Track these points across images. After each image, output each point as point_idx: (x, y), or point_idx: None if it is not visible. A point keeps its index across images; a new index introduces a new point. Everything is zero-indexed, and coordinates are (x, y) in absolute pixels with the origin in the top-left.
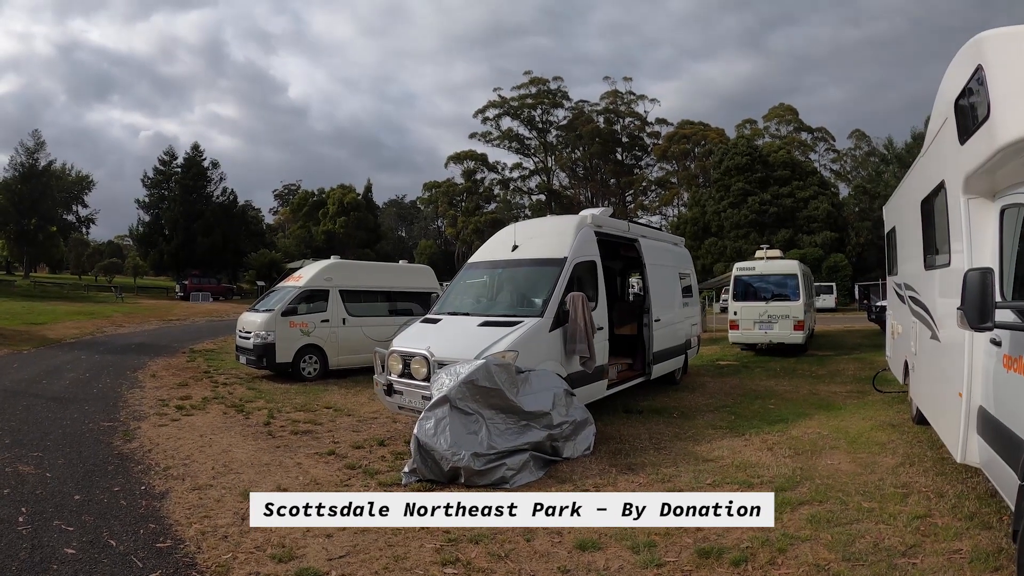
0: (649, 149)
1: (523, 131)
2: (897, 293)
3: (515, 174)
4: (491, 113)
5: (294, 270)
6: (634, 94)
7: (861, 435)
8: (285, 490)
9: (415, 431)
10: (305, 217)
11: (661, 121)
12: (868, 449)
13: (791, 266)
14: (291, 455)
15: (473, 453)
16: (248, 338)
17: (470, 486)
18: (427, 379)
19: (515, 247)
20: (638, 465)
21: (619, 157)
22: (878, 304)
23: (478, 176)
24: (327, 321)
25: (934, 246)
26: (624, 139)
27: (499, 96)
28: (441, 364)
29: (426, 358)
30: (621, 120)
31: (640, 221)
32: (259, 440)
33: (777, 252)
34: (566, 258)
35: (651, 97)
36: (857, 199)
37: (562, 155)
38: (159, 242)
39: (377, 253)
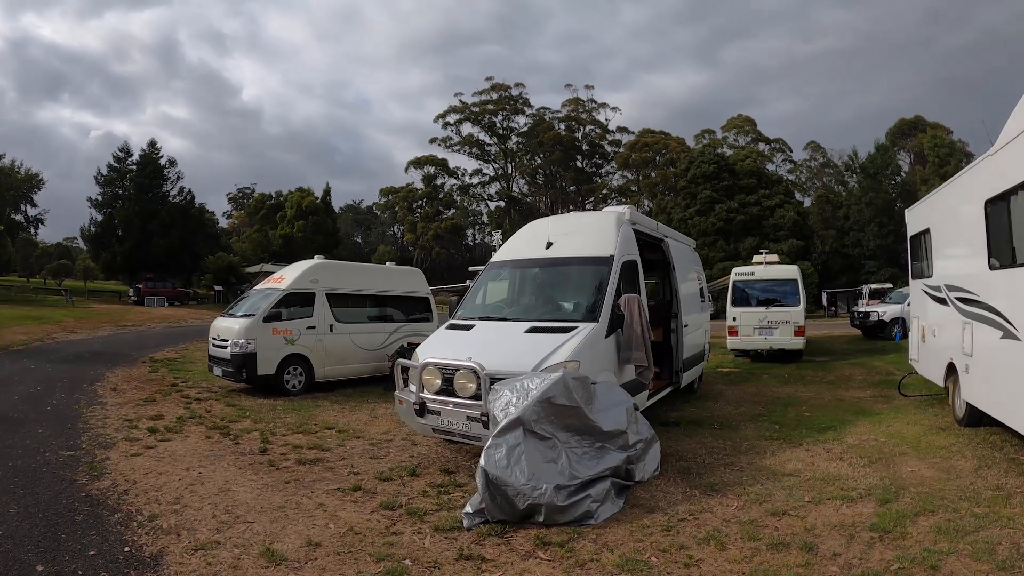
0: (611, 157)
1: (484, 137)
2: (932, 296)
3: (475, 180)
4: (452, 118)
5: (253, 274)
6: (595, 102)
7: (919, 440)
8: (319, 545)
9: (482, 463)
10: (262, 220)
11: (622, 129)
12: (936, 454)
13: (791, 271)
14: (307, 493)
15: (556, 486)
16: (224, 347)
17: (549, 524)
18: (475, 397)
19: (549, 244)
20: (720, 485)
21: (580, 164)
22: (861, 310)
23: (438, 181)
24: (313, 328)
25: (1008, 246)
26: (585, 147)
27: (460, 101)
28: (494, 379)
29: (475, 372)
30: (582, 128)
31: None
32: (260, 473)
33: (775, 257)
34: (613, 256)
35: (612, 105)
36: (820, 208)
37: (522, 162)
38: (112, 243)
39: (336, 258)
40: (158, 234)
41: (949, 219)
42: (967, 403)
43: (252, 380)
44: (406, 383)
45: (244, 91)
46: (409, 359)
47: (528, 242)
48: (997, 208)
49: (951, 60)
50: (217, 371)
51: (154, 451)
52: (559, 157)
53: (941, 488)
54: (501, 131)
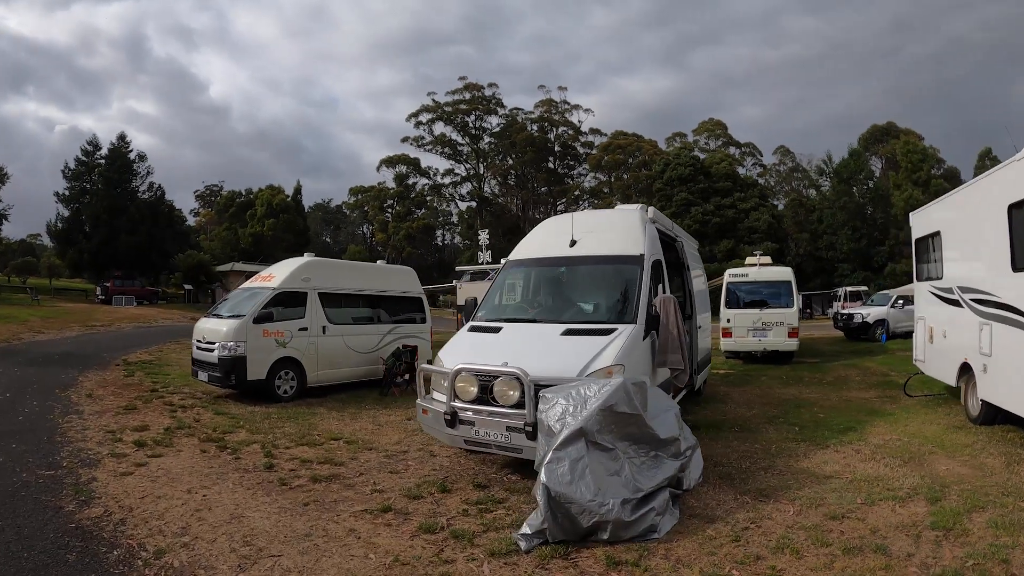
0: (583, 159)
1: (456, 137)
2: (942, 298)
3: (447, 180)
4: (424, 117)
5: (223, 273)
6: (568, 103)
7: (941, 439)
8: None
9: (542, 479)
10: (231, 219)
11: (595, 131)
12: (962, 452)
13: (785, 273)
14: (332, 516)
15: (622, 500)
16: (211, 350)
17: (613, 541)
18: (518, 405)
19: (574, 242)
20: (768, 490)
21: (552, 166)
22: (845, 312)
23: (410, 181)
24: (305, 329)
25: None
26: (557, 148)
27: (433, 100)
28: (539, 386)
29: (518, 379)
30: (555, 129)
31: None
32: (273, 494)
33: (768, 259)
34: (643, 255)
35: (585, 107)
36: (793, 211)
37: (494, 162)
38: (79, 239)
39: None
40: (126, 231)
41: (965, 222)
42: (983, 401)
43: (241, 386)
44: (429, 390)
45: (212, 87)
46: (406, 362)
47: (549, 240)
48: (1022, 212)
49: (917, 68)
50: (202, 376)
51: (146, 469)
52: (531, 158)
53: (981, 485)
54: (474, 131)
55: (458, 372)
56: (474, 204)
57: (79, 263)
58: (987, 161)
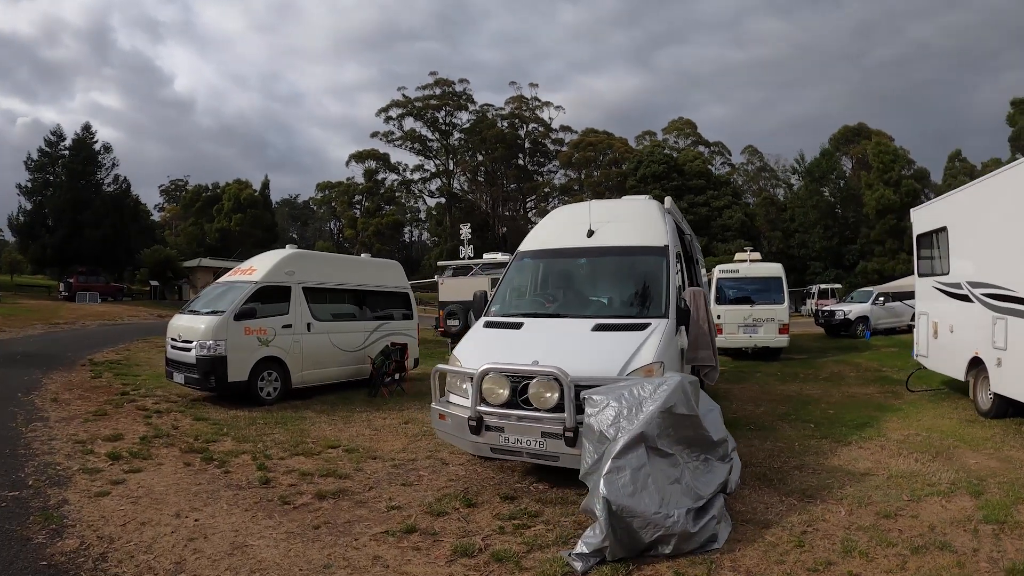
0: (554, 156)
1: (426, 132)
2: (949, 293)
3: (416, 176)
4: (395, 112)
5: (190, 269)
6: (539, 100)
7: (959, 433)
8: None
9: (602, 491)
10: (198, 213)
11: (565, 128)
12: (984, 446)
13: (775, 269)
14: (350, 541)
15: (687, 510)
16: (188, 349)
17: (675, 555)
18: (556, 408)
19: (591, 232)
20: (811, 490)
21: (522, 162)
22: (827, 309)
23: (380, 176)
24: (289, 327)
25: None
26: (528, 145)
27: (403, 96)
28: (580, 387)
29: (556, 379)
30: (525, 126)
31: None
32: (276, 516)
33: (758, 255)
34: (667, 246)
35: (556, 104)
36: (765, 210)
37: (464, 158)
38: (41, 234)
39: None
40: (91, 224)
41: (976, 218)
42: (996, 395)
43: (221, 388)
44: (443, 393)
45: (177, 81)
46: (396, 361)
47: (564, 230)
48: None
49: (882, 72)
50: (178, 378)
51: (124, 488)
52: (502, 154)
53: (1016, 477)
54: (444, 127)
55: (485, 373)
56: (443, 200)
57: (42, 258)
58: (957, 163)
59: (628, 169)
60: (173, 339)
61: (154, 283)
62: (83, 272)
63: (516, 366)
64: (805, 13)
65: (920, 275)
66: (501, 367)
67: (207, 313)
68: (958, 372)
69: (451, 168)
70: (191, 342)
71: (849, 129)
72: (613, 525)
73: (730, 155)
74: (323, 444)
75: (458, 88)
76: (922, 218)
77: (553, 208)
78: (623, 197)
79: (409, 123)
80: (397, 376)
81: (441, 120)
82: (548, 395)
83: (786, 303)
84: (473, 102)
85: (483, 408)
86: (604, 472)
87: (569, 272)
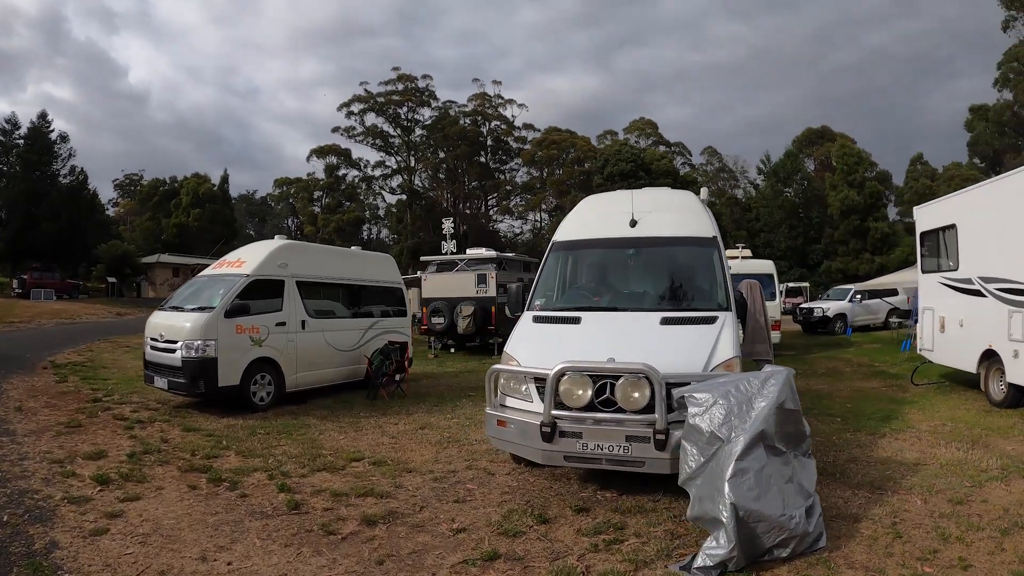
0: (517, 153)
1: (388, 128)
2: (959, 288)
3: (377, 172)
4: (356, 107)
5: (148, 265)
6: (502, 98)
7: (983, 422)
8: None
9: (728, 496)
10: (154, 208)
11: (528, 127)
12: (1012, 433)
13: (767, 265)
14: None
15: (805, 509)
16: (172, 350)
17: (792, 557)
18: (646, 409)
19: (634, 222)
20: (878, 482)
21: (484, 160)
22: (805, 306)
23: (341, 172)
24: (283, 324)
25: None
26: (490, 142)
27: (366, 91)
28: (671, 384)
29: (646, 377)
30: (488, 123)
31: None
32: (324, 549)
33: (749, 252)
34: (715, 237)
35: (519, 102)
36: (730, 210)
37: (426, 155)
38: None
39: (232, 249)
40: (46, 217)
41: (992, 216)
42: (1011, 385)
43: (211, 393)
44: (498, 395)
45: (131, 73)
46: (396, 360)
47: (603, 219)
48: None
49: (839, 77)
50: (159, 382)
51: (124, 523)
52: (464, 152)
53: None
54: (406, 123)
55: (562, 373)
56: (404, 197)
57: None
58: (919, 166)
59: (595, 167)
60: (154, 339)
61: (111, 280)
62: (37, 268)
63: (598, 364)
64: (763, 17)
65: (924, 271)
66: (580, 366)
67: (193, 310)
68: (969, 365)
69: (412, 165)
70: (176, 342)
71: (813, 131)
72: (740, 531)
73: (690, 155)
74: (344, 457)
75: (421, 84)
76: (927, 216)
77: (515, 206)
78: (644, 187)
79: (371, 119)
80: (397, 377)
81: (403, 116)
82: (637, 395)
83: (778, 300)
84: (436, 98)
85: (559, 412)
86: (728, 476)
87: (616, 263)
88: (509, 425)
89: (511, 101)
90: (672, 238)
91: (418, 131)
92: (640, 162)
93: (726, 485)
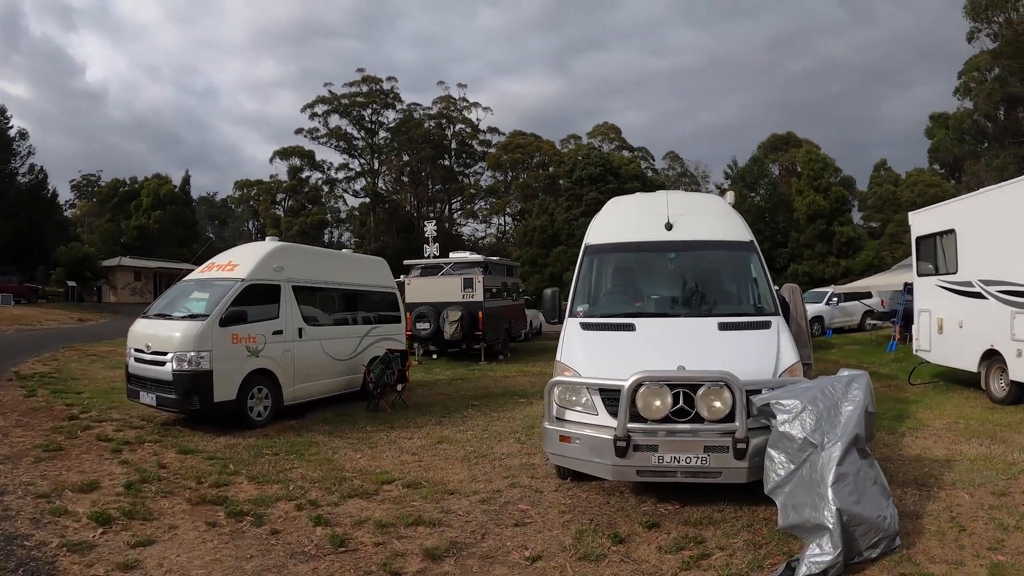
0: (482, 157)
1: (352, 130)
2: (958, 291)
3: (341, 175)
4: (320, 109)
5: (110, 269)
6: (467, 101)
7: (992, 419)
8: None
9: (833, 502)
10: (114, 210)
11: (493, 130)
12: (1023, 428)
13: None
14: None
15: (891, 509)
16: (161, 363)
17: (878, 557)
18: (728, 418)
19: (670, 225)
20: (921, 479)
21: (448, 163)
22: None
23: (304, 174)
24: (280, 333)
25: None
26: (454, 146)
27: (329, 92)
28: (749, 392)
29: (727, 385)
30: (452, 126)
31: None
32: None
33: None
34: (753, 241)
35: (484, 105)
36: None
37: (390, 158)
38: None
39: (194, 252)
40: (4, 217)
41: (994, 221)
42: (1014, 383)
43: (206, 410)
44: (556, 409)
45: (88, 71)
46: (398, 370)
47: (636, 221)
48: None
49: (795, 84)
50: (146, 398)
51: (141, 574)
52: (428, 155)
53: None
54: (370, 125)
55: (639, 384)
56: (368, 200)
57: None
58: (882, 171)
59: (563, 171)
60: (139, 350)
61: (71, 284)
62: None
63: (676, 373)
64: (720, 25)
65: (920, 275)
66: (658, 375)
67: (183, 318)
68: (970, 364)
69: (376, 168)
70: (166, 353)
71: (778, 137)
72: (845, 536)
73: (653, 160)
74: (372, 479)
75: (386, 86)
76: (924, 221)
77: (479, 210)
78: (665, 191)
79: (335, 120)
80: (399, 387)
81: (367, 118)
82: (718, 404)
83: None
84: (400, 101)
85: (634, 425)
86: (831, 481)
87: (655, 267)
88: (574, 441)
89: (476, 104)
90: (711, 242)
91: (382, 133)
92: (609, 166)
93: (829, 491)
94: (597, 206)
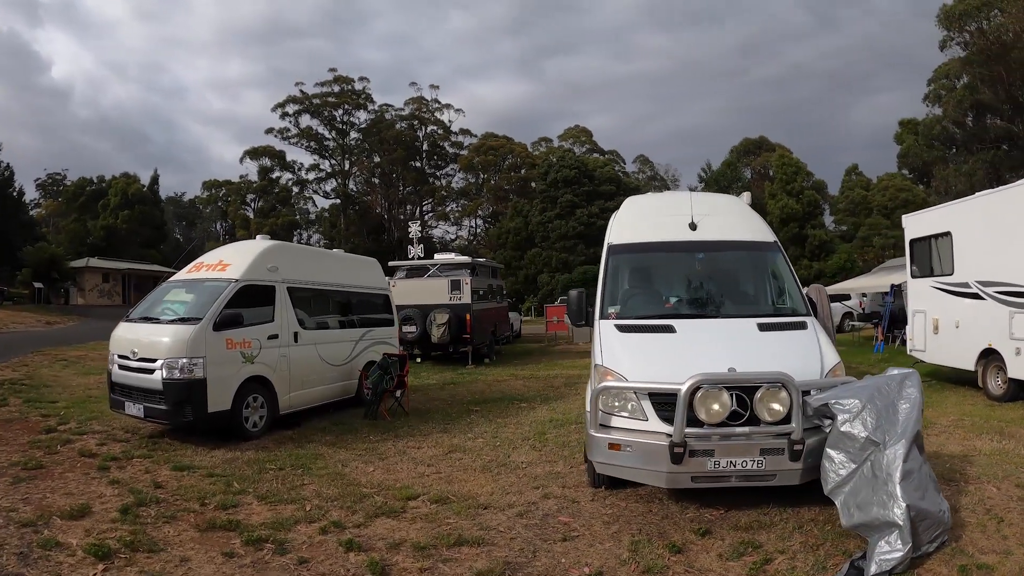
0: (454, 158)
1: (323, 131)
2: (955, 292)
3: (311, 176)
4: (291, 108)
5: (77, 270)
6: (439, 102)
7: (994, 416)
8: None
9: (902, 498)
10: (81, 209)
11: (465, 132)
12: None
13: None
14: None
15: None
16: (150, 371)
17: (934, 551)
18: (785, 419)
19: (694, 225)
20: (947, 474)
21: (419, 165)
22: None
23: (275, 175)
24: (275, 337)
25: None
26: (426, 147)
27: (301, 91)
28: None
29: (783, 386)
30: (424, 127)
31: None
32: None
33: None
34: (776, 242)
35: (456, 107)
36: None
37: (361, 159)
38: None
39: (162, 253)
40: None
41: (991, 224)
42: (1012, 380)
43: (200, 421)
44: (599, 415)
45: (54, 67)
46: (397, 375)
47: (659, 221)
48: None
49: (762, 90)
50: (133, 409)
51: None
52: (400, 156)
53: None
54: (341, 126)
55: (697, 387)
56: (338, 202)
57: None
58: (854, 176)
59: (537, 173)
60: (123, 356)
61: (38, 285)
62: None
63: (734, 376)
64: (688, 30)
65: (915, 276)
66: (716, 378)
67: (172, 321)
68: (966, 363)
69: (347, 169)
70: (155, 360)
71: (750, 141)
72: (914, 530)
73: (624, 163)
74: (394, 495)
75: (358, 86)
76: (918, 224)
77: (451, 212)
78: (683, 191)
79: (306, 120)
80: (398, 393)
81: (339, 119)
82: (776, 406)
83: None
84: (372, 101)
85: (691, 430)
86: (899, 479)
87: (683, 267)
88: (625, 448)
89: (448, 106)
90: (737, 242)
91: (353, 134)
92: (584, 169)
93: (898, 488)
94: (572, 208)
